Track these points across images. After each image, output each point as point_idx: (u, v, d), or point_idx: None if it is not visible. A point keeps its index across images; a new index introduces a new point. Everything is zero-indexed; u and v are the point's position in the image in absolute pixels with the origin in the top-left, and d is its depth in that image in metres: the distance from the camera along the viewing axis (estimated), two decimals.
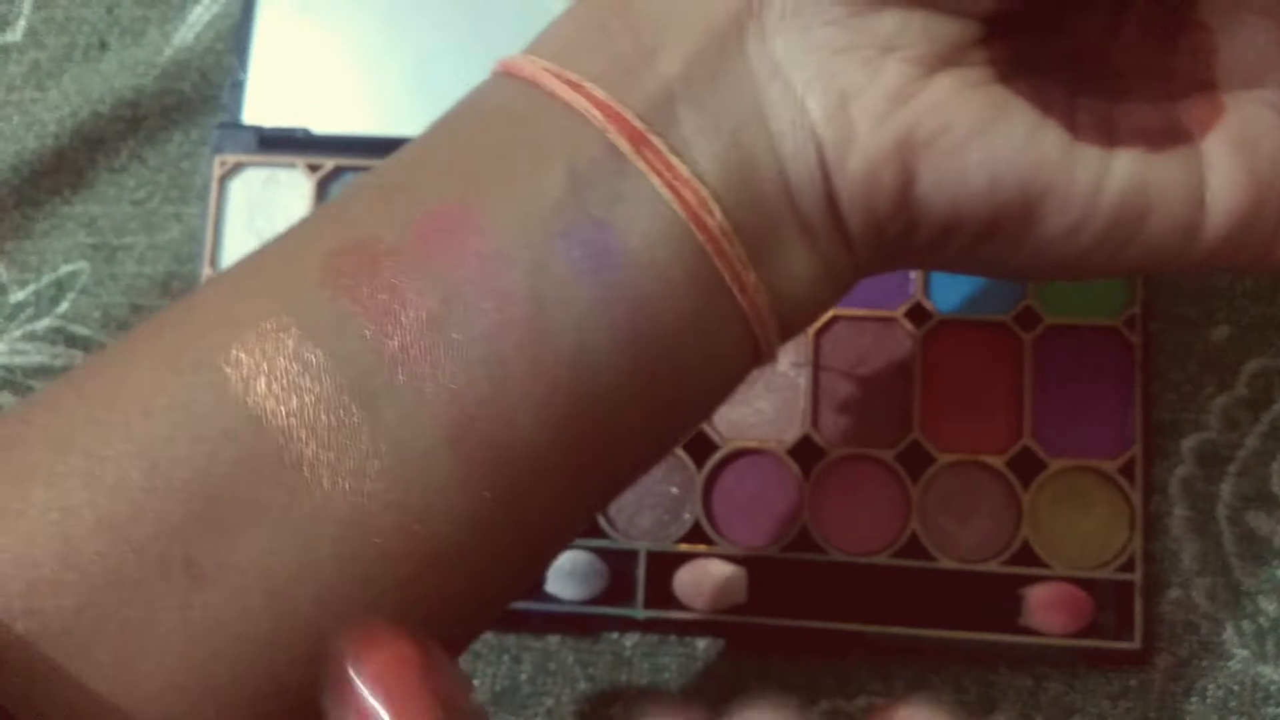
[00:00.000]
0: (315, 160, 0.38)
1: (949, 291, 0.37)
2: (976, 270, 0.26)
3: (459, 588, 0.22)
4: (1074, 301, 0.36)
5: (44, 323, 0.39)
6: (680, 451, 0.36)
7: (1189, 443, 0.36)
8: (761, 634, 0.35)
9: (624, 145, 0.22)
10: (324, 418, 0.20)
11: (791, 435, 0.36)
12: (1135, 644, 0.35)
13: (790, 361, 0.37)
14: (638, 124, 0.22)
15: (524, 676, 0.36)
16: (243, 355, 0.21)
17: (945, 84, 0.22)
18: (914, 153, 0.22)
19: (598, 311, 0.21)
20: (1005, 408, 0.36)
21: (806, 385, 0.36)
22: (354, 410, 0.20)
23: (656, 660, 0.36)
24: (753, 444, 0.36)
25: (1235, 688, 0.35)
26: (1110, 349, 0.36)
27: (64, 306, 0.39)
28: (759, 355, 0.24)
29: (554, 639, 0.36)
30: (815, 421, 0.36)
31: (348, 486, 0.20)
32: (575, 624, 0.36)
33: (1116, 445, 0.36)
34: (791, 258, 0.23)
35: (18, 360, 0.39)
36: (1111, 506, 0.35)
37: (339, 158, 0.38)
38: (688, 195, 0.22)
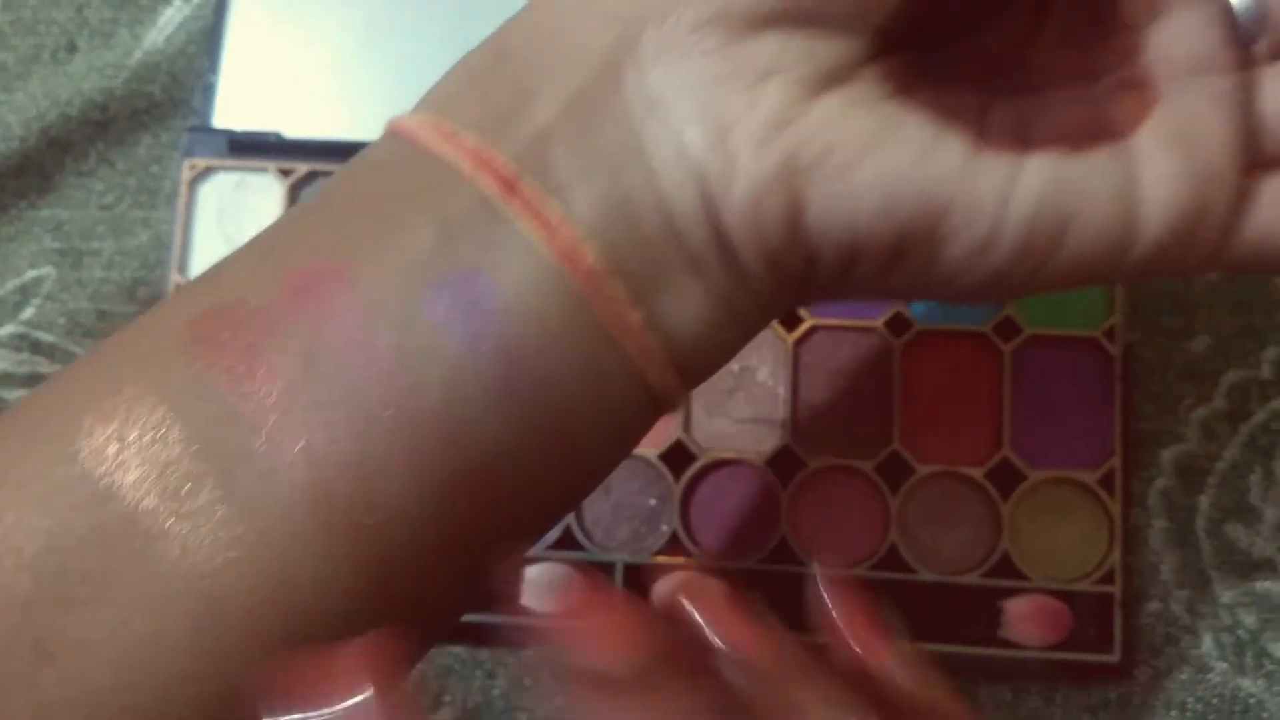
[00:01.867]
0: (287, 165, 0.38)
1: (928, 301, 0.36)
2: (897, 297, 0.25)
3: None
4: (1054, 312, 0.36)
5: (8, 329, 0.38)
6: (658, 462, 0.36)
7: (1168, 454, 0.36)
8: None
9: (494, 191, 0.21)
10: (177, 486, 0.20)
11: (770, 446, 0.36)
12: (1114, 657, 0.34)
13: (769, 372, 0.36)
14: (508, 170, 0.21)
15: (497, 692, 0.36)
16: (97, 425, 0.20)
17: (830, 104, 0.21)
18: (799, 177, 0.21)
19: (468, 363, 0.21)
20: (985, 419, 0.36)
21: (785, 395, 0.36)
22: (208, 477, 0.20)
23: None
24: (731, 454, 0.36)
25: (1214, 700, 0.35)
26: (1090, 360, 0.36)
27: (29, 313, 0.38)
28: (657, 401, 0.23)
29: (529, 653, 0.36)
30: (794, 432, 0.36)
31: (202, 556, 0.20)
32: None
33: (1096, 457, 0.35)
34: (683, 296, 0.22)
35: None
36: (1091, 518, 0.35)
37: (311, 162, 0.37)
38: (560, 238, 0.21)
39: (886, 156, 0.21)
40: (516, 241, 0.21)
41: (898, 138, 0.21)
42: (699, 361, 0.23)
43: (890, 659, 0.22)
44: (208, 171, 0.38)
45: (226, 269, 0.22)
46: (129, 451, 0.20)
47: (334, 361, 0.20)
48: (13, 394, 0.38)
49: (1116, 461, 0.35)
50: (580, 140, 0.21)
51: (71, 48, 0.40)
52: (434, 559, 0.21)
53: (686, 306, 0.22)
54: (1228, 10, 0.23)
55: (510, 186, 0.21)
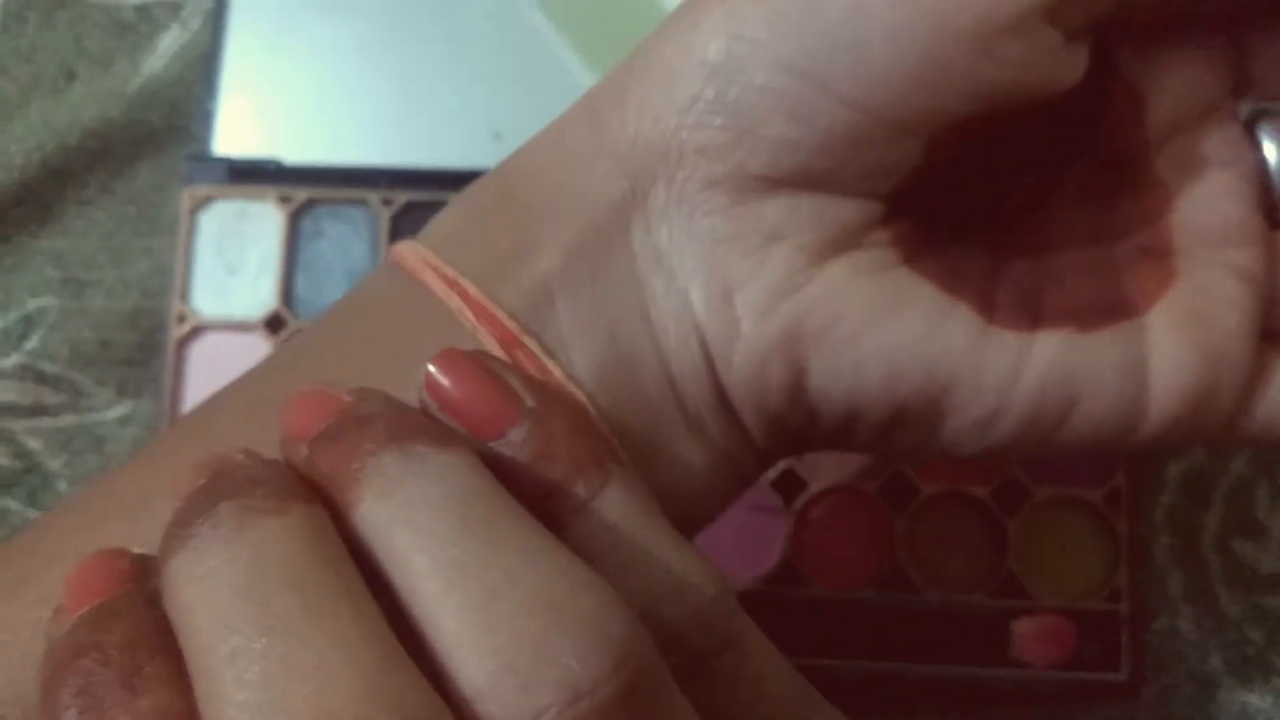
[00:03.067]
0: (287, 192, 0.38)
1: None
2: (898, 459, 0.25)
3: None
4: None
5: (12, 360, 0.38)
6: None
7: (1174, 471, 0.36)
8: None
9: (493, 345, 0.21)
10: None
11: (774, 468, 0.36)
12: (1122, 675, 0.34)
13: None
14: (510, 325, 0.21)
15: None
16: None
17: (837, 272, 0.21)
18: (802, 346, 0.21)
19: None
20: None
21: None
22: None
23: None
24: None
25: (1223, 717, 0.35)
26: None
27: (32, 343, 0.39)
28: None
29: None
30: (798, 456, 0.36)
31: None
32: None
33: (1101, 475, 0.35)
34: (682, 453, 0.22)
35: None
36: (1097, 536, 0.35)
37: (311, 189, 0.37)
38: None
39: (893, 330, 0.21)
40: None
41: (906, 309, 0.21)
42: (699, 514, 0.23)
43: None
44: (208, 199, 0.38)
45: (216, 418, 0.22)
46: None
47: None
48: (18, 424, 0.38)
49: (1122, 479, 0.35)
50: (582, 293, 0.21)
51: (70, 76, 0.40)
52: None
53: (685, 462, 0.22)
54: (1262, 171, 0.22)
55: (511, 342, 0.21)
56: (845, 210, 0.21)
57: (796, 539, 0.35)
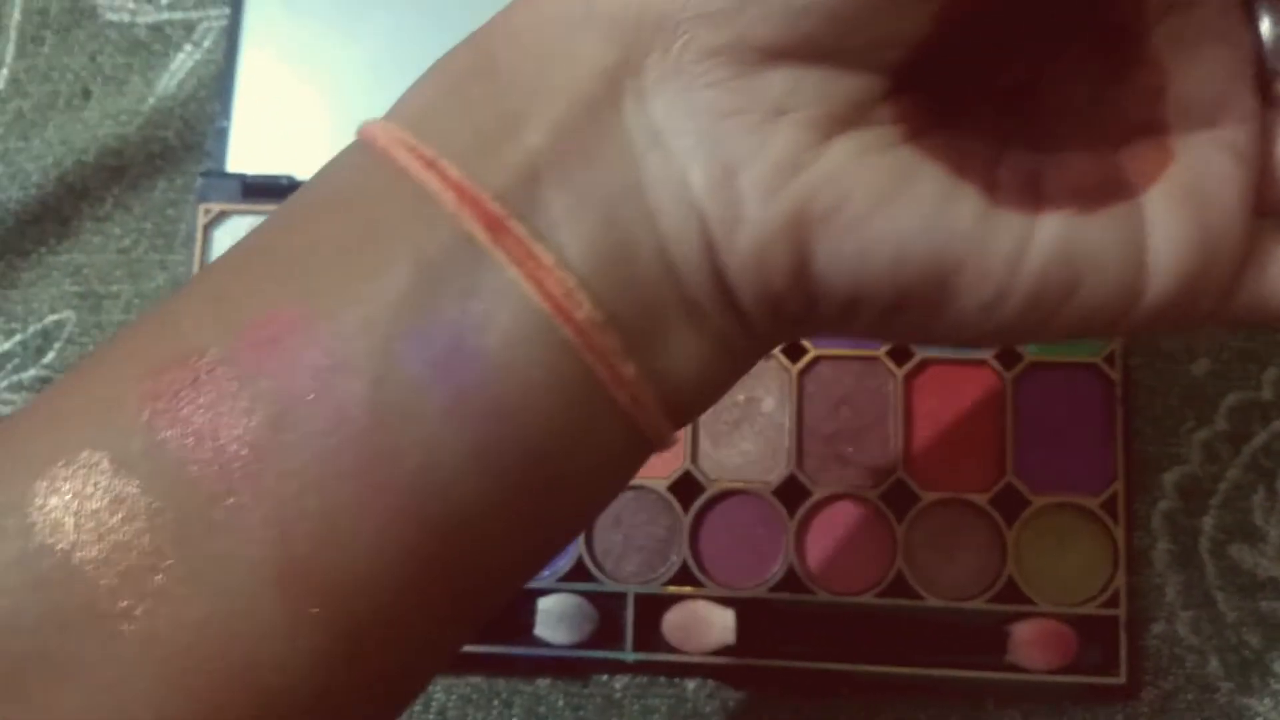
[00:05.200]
0: None
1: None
2: (896, 340, 0.24)
3: None
4: None
5: (30, 373, 0.39)
6: (666, 494, 0.36)
7: (1171, 477, 0.36)
8: (750, 675, 0.36)
9: (479, 232, 0.19)
10: (136, 562, 0.18)
11: (776, 476, 0.36)
12: (1121, 679, 0.35)
13: (774, 402, 0.37)
14: (495, 207, 0.19)
15: None
16: (51, 497, 0.19)
17: (843, 149, 0.20)
18: (808, 229, 0.20)
19: (449, 424, 0.19)
20: (988, 445, 0.36)
21: (790, 426, 0.37)
22: (168, 552, 0.19)
23: (646, 702, 0.36)
24: (738, 485, 0.37)
25: None
26: (1091, 385, 0.36)
27: (51, 356, 0.39)
28: (648, 445, 0.22)
29: (544, 683, 0.36)
30: (800, 461, 0.36)
31: (164, 639, 0.19)
32: (565, 667, 0.36)
33: (1099, 481, 0.36)
34: (678, 341, 0.21)
35: (5, 411, 0.39)
36: (1095, 542, 0.36)
37: None
38: (552, 286, 0.19)
39: (900, 213, 0.20)
40: (502, 289, 0.19)
41: (913, 190, 0.20)
42: (693, 403, 0.22)
43: None
44: (222, 215, 0.39)
45: (183, 307, 0.21)
46: (87, 525, 0.19)
47: (302, 424, 0.19)
48: None
49: (1119, 485, 0.36)
50: (574, 173, 0.20)
51: (86, 94, 0.41)
52: (409, 626, 0.20)
53: (681, 351, 0.21)
54: (1257, 47, 0.22)
55: (497, 227, 0.19)
56: (851, 84, 0.20)
57: (799, 546, 0.36)
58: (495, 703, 0.36)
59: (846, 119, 0.20)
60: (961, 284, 0.21)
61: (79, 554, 0.19)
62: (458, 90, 0.21)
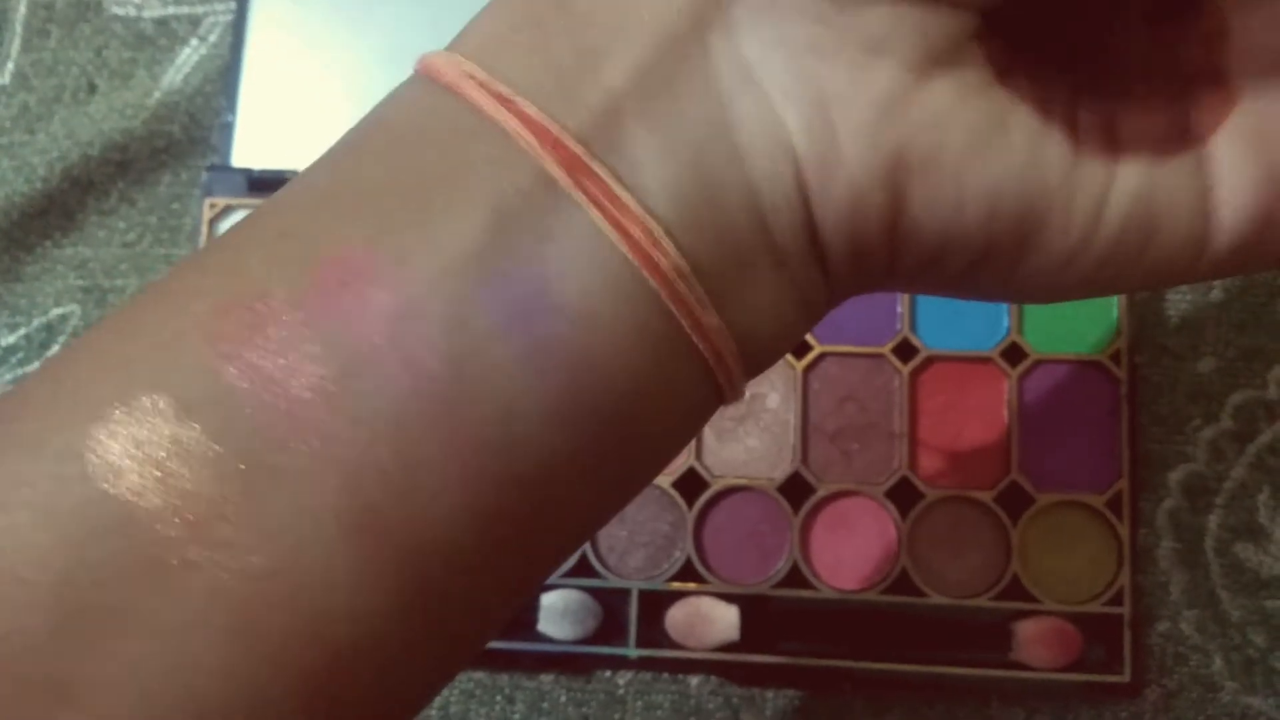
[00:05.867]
0: None
1: (936, 327, 0.37)
2: (967, 295, 0.23)
3: (363, 690, 0.19)
4: (1060, 337, 0.37)
5: (34, 367, 0.39)
6: (671, 490, 0.36)
7: (1176, 475, 0.36)
8: (754, 671, 0.36)
9: (559, 174, 0.18)
10: (201, 509, 0.18)
11: (781, 472, 0.36)
12: (1125, 677, 0.35)
13: (779, 399, 0.37)
14: (576, 148, 0.18)
15: (517, 716, 0.36)
16: (111, 442, 0.18)
17: (941, 90, 0.19)
18: (906, 174, 0.19)
19: (527, 374, 0.18)
20: (993, 443, 0.36)
21: (795, 422, 0.37)
22: (234, 498, 0.18)
23: (650, 698, 0.36)
24: (743, 481, 0.36)
25: (1225, 719, 0.35)
26: (1096, 383, 0.36)
27: (54, 350, 0.39)
28: (721, 398, 0.21)
29: (547, 678, 0.36)
30: (805, 458, 0.36)
31: (229, 587, 0.18)
32: (568, 663, 0.36)
33: (1104, 479, 0.36)
34: (762, 291, 0.20)
35: None
36: (1099, 540, 0.36)
37: None
38: (635, 232, 0.18)
39: (995, 159, 0.20)
40: (584, 233, 0.19)
41: (1005, 138, 0.20)
42: (767, 354, 0.21)
43: None
44: (227, 210, 0.39)
45: (245, 247, 0.20)
46: (150, 473, 0.18)
47: (374, 371, 0.18)
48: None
49: (1124, 483, 0.36)
50: (658, 113, 0.19)
51: (91, 88, 0.41)
52: (480, 579, 0.20)
53: (764, 304, 0.20)
54: None
55: (577, 167, 0.18)
56: (948, 20, 0.19)
57: (804, 543, 0.36)
58: (498, 698, 0.36)
59: (943, 59, 0.19)
60: (1046, 236, 0.20)
61: (141, 502, 0.18)
62: (531, 23, 0.20)
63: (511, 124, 0.19)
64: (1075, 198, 0.20)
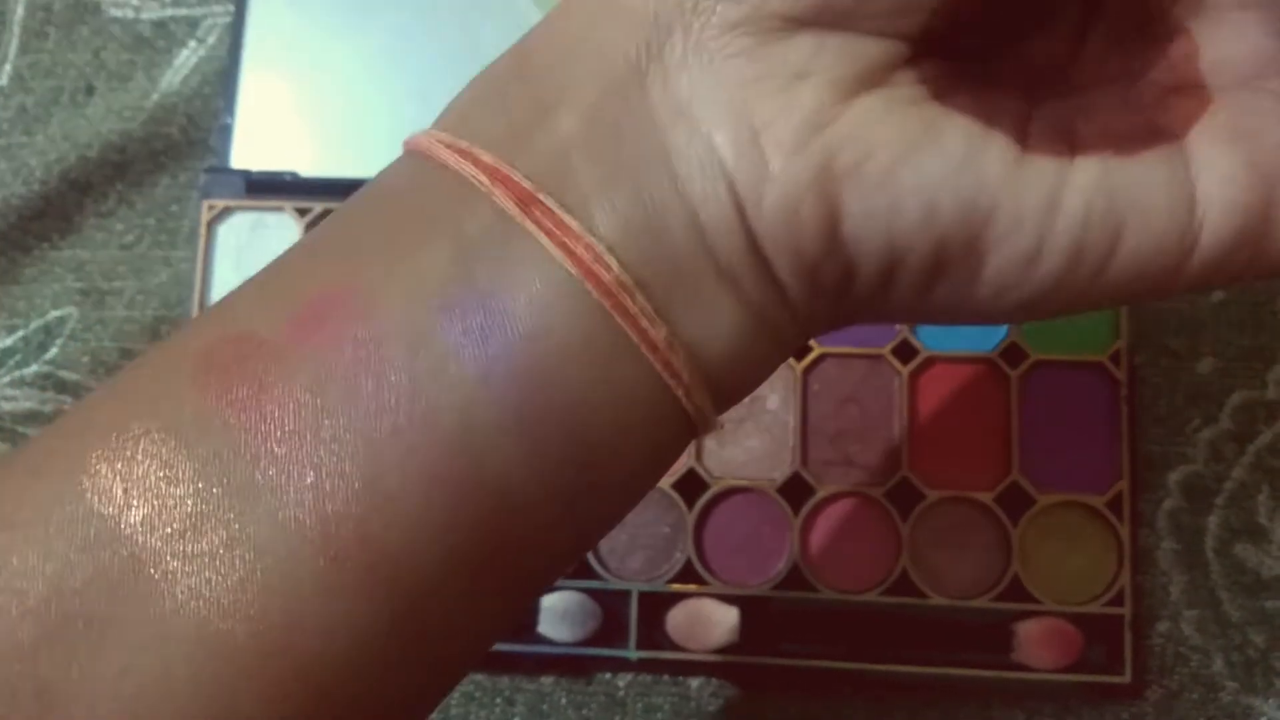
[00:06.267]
0: (303, 204, 0.38)
1: (936, 328, 0.37)
2: (942, 318, 0.23)
3: (340, 708, 0.20)
4: (1060, 338, 0.37)
5: (33, 369, 0.39)
6: (671, 491, 0.36)
7: (1176, 476, 0.36)
8: (755, 673, 0.36)
9: (511, 207, 0.20)
10: (183, 526, 0.19)
11: (781, 473, 0.36)
12: (1126, 677, 0.35)
13: (779, 400, 0.37)
14: (525, 184, 0.20)
15: (517, 719, 0.36)
16: (103, 463, 0.20)
17: (868, 105, 0.20)
18: (836, 183, 0.20)
19: (484, 388, 0.20)
20: (993, 444, 0.36)
21: (795, 424, 0.37)
22: (214, 517, 0.19)
23: (650, 700, 0.36)
24: (743, 482, 0.36)
25: (1225, 719, 0.35)
26: (1096, 384, 0.36)
27: (53, 352, 0.39)
28: (690, 421, 0.22)
29: (547, 680, 0.36)
30: (804, 459, 0.36)
31: (206, 599, 0.19)
32: (568, 665, 0.36)
33: (1104, 480, 0.36)
34: (714, 310, 0.21)
35: (7, 407, 0.39)
36: (1100, 541, 0.36)
37: (327, 201, 0.38)
38: (580, 251, 0.20)
39: (928, 161, 0.20)
40: (535, 258, 0.20)
41: (940, 139, 0.20)
42: (732, 379, 0.22)
43: None
44: (226, 212, 0.39)
45: (238, 299, 0.22)
46: (135, 490, 0.19)
47: (343, 391, 0.20)
48: (39, 431, 0.39)
49: (1124, 484, 0.36)
50: (603, 149, 0.21)
51: (89, 90, 0.41)
52: (453, 595, 0.21)
53: (716, 320, 0.21)
54: None
55: (528, 201, 0.20)
56: (873, 48, 0.21)
57: (804, 544, 0.36)
58: (498, 700, 0.36)
59: (870, 79, 0.21)
60: (997, 234, 0.20)
61: (126, 517, 0.19)
62: (495, 92, 0.22)
63: (469, 170, 0.21)
64: (1023, 194, 0.20)
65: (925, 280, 0.21)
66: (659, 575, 0.36)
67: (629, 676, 0.36)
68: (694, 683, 0.36)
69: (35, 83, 0.41)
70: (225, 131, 0.40)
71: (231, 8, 0.41)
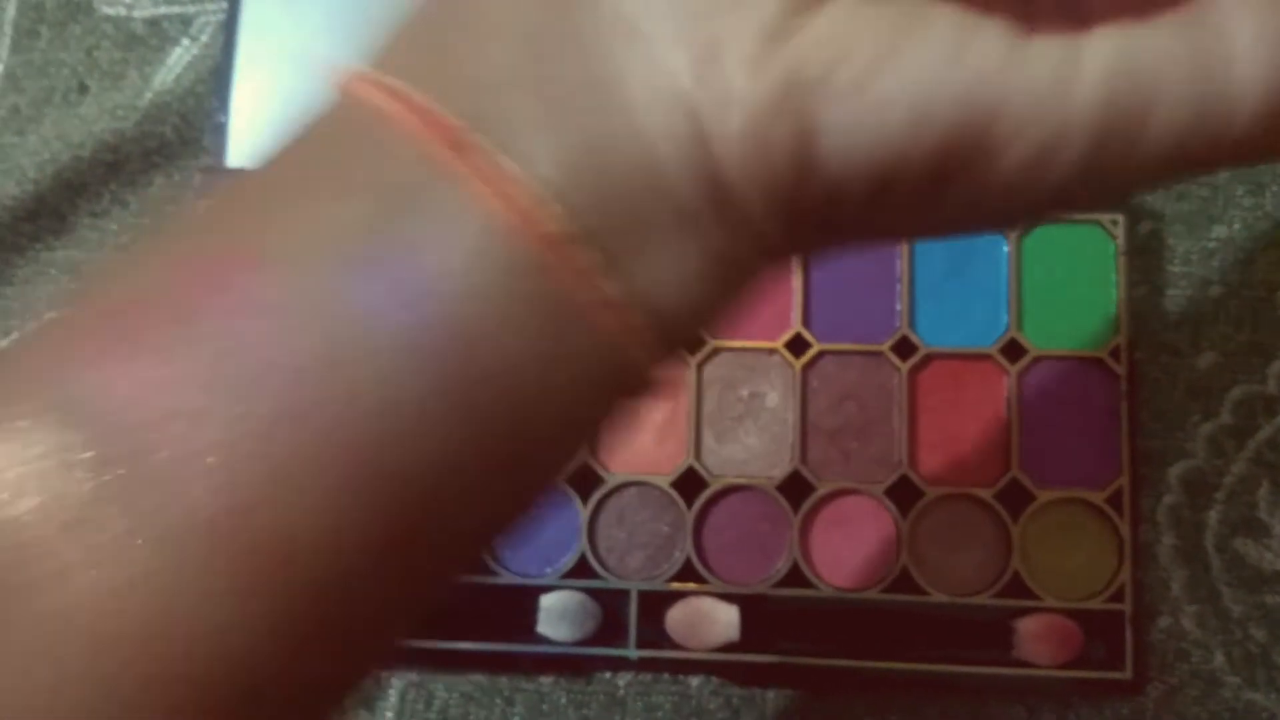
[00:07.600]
0: None
1: (934, 324, 0.37)
2: (948, 231, 0.21)
3: (235, 708, 0.18)
4: (1059, 333, 0.36)
5: None
6: (670, 490, 0.36)
7: (1176, 471, 0.36)
8: (755, 671, 0.35)
9: (438, 150, 0.18)
10: (76, 517, 0.17)
11: (780, 471, 0.36)
12: (1126, 673, 0.35)
13: (778, 398, 0.37)
14: (454, 122, 0.18)
15: (517, 718, 0.36)
16: None
17: (837, 7, 0.18)
18: (808, 97, 0.18)
19: (409, 359, 0.18)
20: (993, 440, 0.36)
21: (794, 420, 0.36)
22: (111, 504, 0.17)
23: (650, 699, 0.36)
24: (742, 480, 0.36)
25: (1227, 715, 0.35)
26: (1096, 379, 0.36)
27: None
28: (642, 378, 0.20)
29: (546, 680, 0.36)
30: (804, 457, 0.36)
31: (103, 594, 0.17)
32: (568, 665, 0.36)
33: (1104, 475, 0.36)
34: (672, 257, 0.19)
35: None
36: (1100, 537, 0.36)
37: None
38: (518, 197, 0.18)
39: (911, 59, 0.18)
40: (465, 208, 0.18)
41: (924, 33, 0.18)
42: (690, 328, 0.20)
43: None
44: None
45: (142, 259, 0.19)
46: (28, 476, 0.17)
47: (248, 364, 0.17)
48: None
49: (1125, 479, 0.35)
50: (542, 83, 0.18)
51: (82, 89, 0.41)
52: (367, 584, 0.19)
53: (677, 268, 0.19)
54: None
55: (457, 144, 0.18)
56: None
57: (804, 542, 0.36)
58: (497, 701, 0.36)
59: None
60: (1008, 130, 0.18)
61: (20, 506, 0.17)
62: (421, 26, 0.20)
63: (390, 107, 0.18)
64: (1030, 81, 0.18)
65: (924, 196, 0.19)
66: (658, 574, 0.36)
67: (629, 676, 0.36)
68: (694, 681, 0.36)
69: (27, 82, 0.41)
70: (219, 130, 0.39)
71: (224, 5, 0.40)
